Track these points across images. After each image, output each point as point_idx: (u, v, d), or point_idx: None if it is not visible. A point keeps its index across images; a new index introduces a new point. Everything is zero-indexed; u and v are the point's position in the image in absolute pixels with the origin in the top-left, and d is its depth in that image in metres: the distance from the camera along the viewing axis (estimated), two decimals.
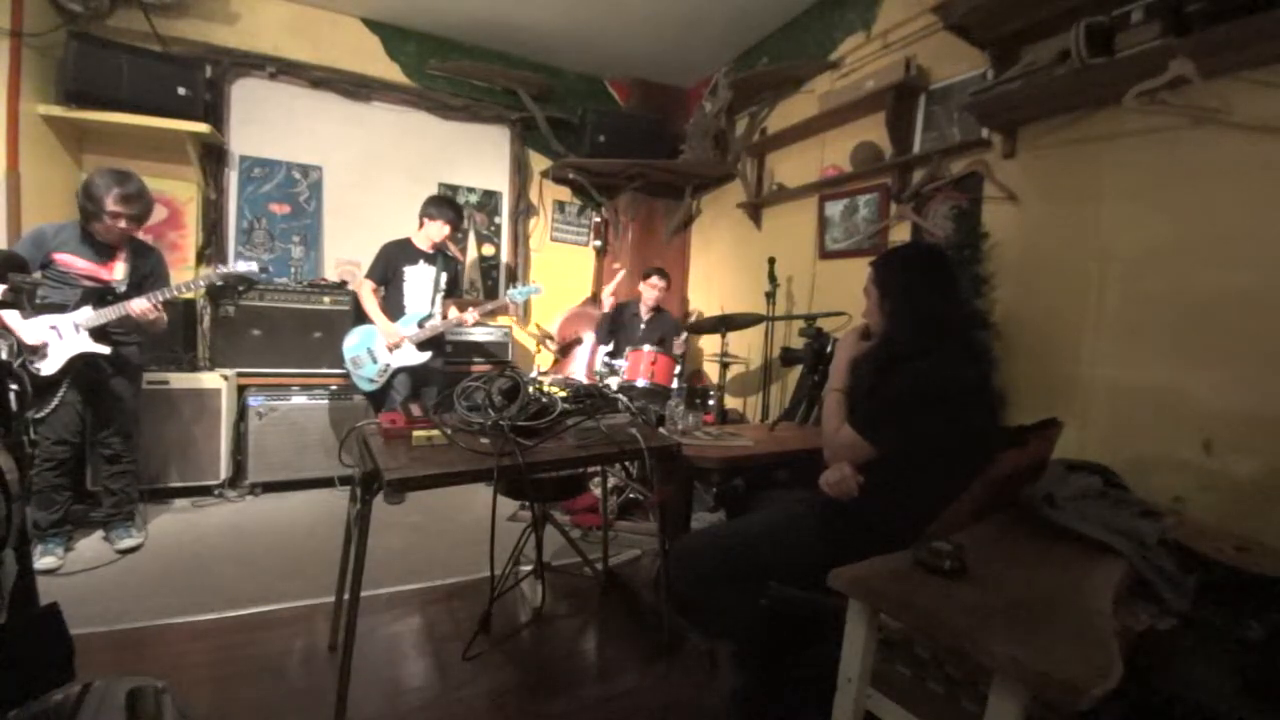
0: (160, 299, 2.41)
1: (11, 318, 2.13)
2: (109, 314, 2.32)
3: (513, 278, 4.33)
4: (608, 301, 3.82)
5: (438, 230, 3.24)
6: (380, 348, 3.17)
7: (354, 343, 3.22)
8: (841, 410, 1.55)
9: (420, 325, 3.21)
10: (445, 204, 3.32)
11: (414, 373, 3.21)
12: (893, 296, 1.53)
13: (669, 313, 3.90)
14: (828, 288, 3.28)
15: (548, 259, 4.49)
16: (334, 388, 3.37)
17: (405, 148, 3.97)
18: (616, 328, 3.77)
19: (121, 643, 1.84)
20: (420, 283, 3.29)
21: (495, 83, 4.12)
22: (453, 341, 3.69)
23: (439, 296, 3.34)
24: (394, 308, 3.24)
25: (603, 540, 2.45)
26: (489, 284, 4.31)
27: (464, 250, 4.19)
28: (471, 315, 3.31)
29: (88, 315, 2.29)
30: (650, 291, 3.69)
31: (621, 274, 4.12)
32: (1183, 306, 1.85)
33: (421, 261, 3.29)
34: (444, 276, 3.34)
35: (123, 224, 2.31)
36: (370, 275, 3.26)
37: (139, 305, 2.35)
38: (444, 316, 3.34)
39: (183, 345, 3.20)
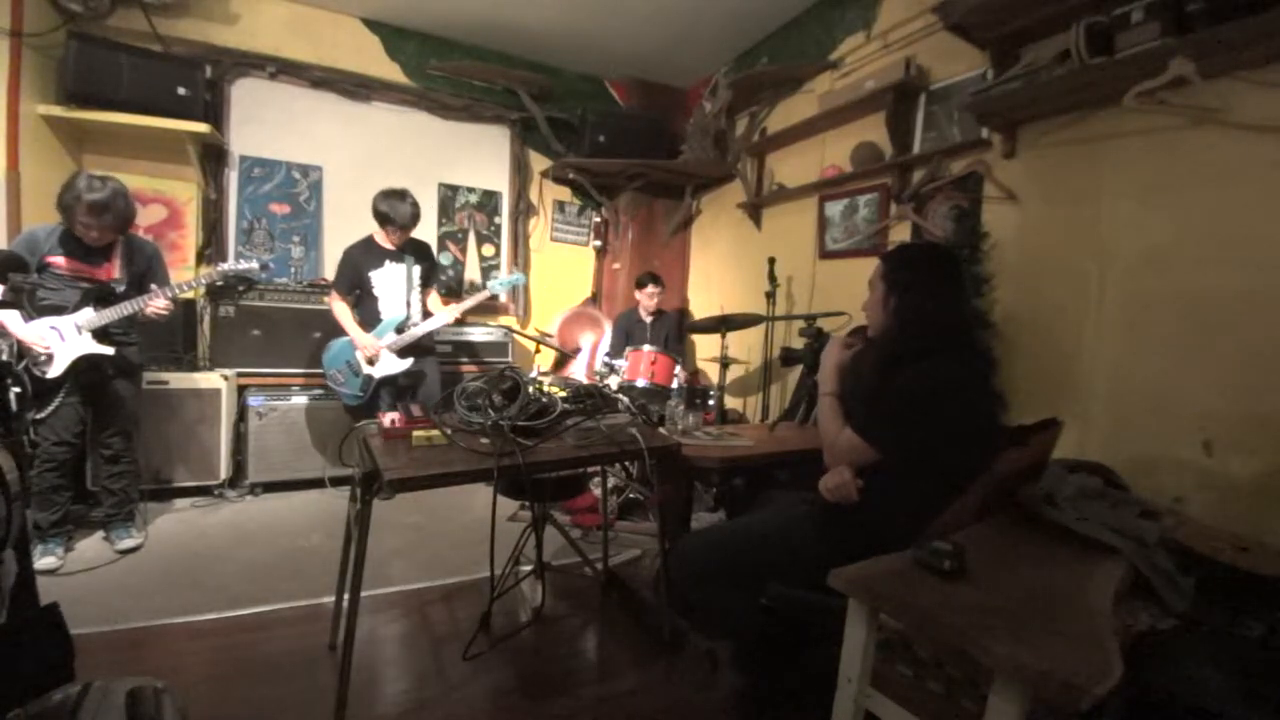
0: (172, 294, 2.41)
1: (13, 320, 2.13)
2: (111, 314, 2.31)
3: None
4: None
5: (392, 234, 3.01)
6: (360, 360, 2.99)
7: (331, 356, 3.05)
8: (838, 414, 1.54)
9: (399, 330, 3.01)
10: (391, 201, 2.95)
11: (398, 383, 3.05)
12: (901, 293, 1.50)
13: (670, 313, 3.98)
14: (828, 288, 3.28)
15: (548, 259, 4.49)
16: None
17: (405, 148, 3.96)
18: (627, 334, 3.85)
19: (121, 643, 1.84)
20: (392, 284, 3.05)
21: (495, 83, 4.12)
22: (452, 341, 3.68)
23: (415, 294, 3.09)
24: (369, 316, 3.03)
25: (603, 540, 2.45)
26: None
27: (464, 250, 4.19)
28: (452, 313, 3.08)
29: (89, 316, 2.29)
30: (647, 301, 3.78)
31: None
32: (1183, 306, 1.85)
33: (388, 261, 3.04)
34: (417, 270, 3.08)
35: (94, 234, 2.26)
36: (336, 287, 3.05)
37: (159, 304, 2.35)
38: (425, 313, 3.11)
39: (183, 345, 3.19)
